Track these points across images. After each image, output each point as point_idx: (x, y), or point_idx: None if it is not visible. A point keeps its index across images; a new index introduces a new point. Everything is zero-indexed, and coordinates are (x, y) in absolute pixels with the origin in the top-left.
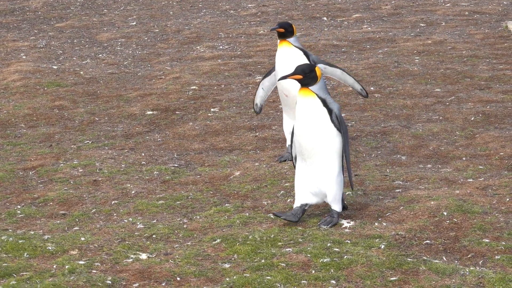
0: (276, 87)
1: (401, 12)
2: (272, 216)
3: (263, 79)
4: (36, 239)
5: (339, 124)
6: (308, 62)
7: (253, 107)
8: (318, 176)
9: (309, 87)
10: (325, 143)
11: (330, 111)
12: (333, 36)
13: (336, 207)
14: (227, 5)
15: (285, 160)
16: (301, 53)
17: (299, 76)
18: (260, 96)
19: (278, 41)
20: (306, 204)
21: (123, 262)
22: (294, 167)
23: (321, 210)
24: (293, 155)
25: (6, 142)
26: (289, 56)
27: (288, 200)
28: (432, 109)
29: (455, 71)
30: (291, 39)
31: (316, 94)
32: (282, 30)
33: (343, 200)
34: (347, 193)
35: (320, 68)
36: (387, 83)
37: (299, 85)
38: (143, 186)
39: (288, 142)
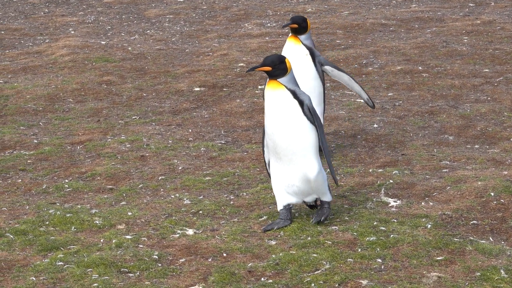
0: None
1: None
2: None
3: None
4: (84, 213)
5: (312, 116)
6: (312, 62)
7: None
8: (295, 174)
9: (278, 79)
10: (300, 137)
11: (301, 103)
12: (382, 15)
13: (327, 198)
14: None
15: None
16: (307, 52)
17: (268, 68)
18: None
19: (290, 34)
20: (289, 204)
21: (170, 237)
22: (268, 174)
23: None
24: (266, 160)
25: (54, 116)
26: (293, 54)
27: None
28: (480, 90)
29: (504, 52)
30: (302, 36)
31: (285, 86)
32: (295, 26)
33: (329, 187)
34: (335, 187)
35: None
36: (435, 62)
37: (302, 77)
38: (190, 162)
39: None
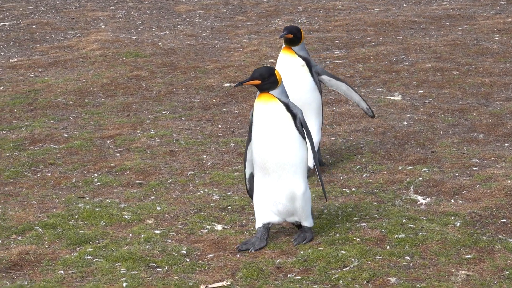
0: None
1: None
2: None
3: None
4: (113, 208)
5: (304, 131)
6: (309, 72)
7: None
8: (284, 191)
9: (270, 92)
10: (292, 152)
11: (294, 116)
12: (412, 12)
13: (307, 223)
14: None
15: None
16: (303, 63)
17: (257, 82)
18: None
19: (283, 46)
20: (269, 223)
21: (198, 233)
22: (247, 190)
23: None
24: (246, 175)
25: (85, 110)
26: (287, 65)
27: (364, 175)
28: (511, 88)
29: None
30: (297, 47)
31: (279, 99)
32: (290, 36)
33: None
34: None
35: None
36: (466, 60)
37: (296, 97)
38: (219, 158)
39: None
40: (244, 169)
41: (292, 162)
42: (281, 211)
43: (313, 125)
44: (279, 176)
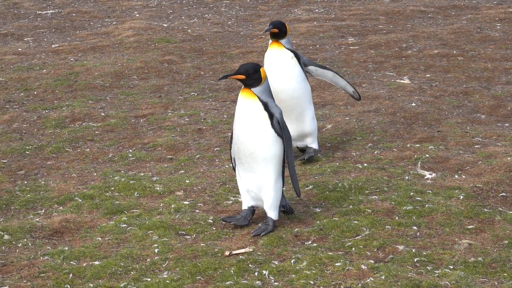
0: None
1: None
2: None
3: None
4: (146, 180)
5: (281, 129)
6: (298, 64)
7: None
8: (255, 181)
9: (252, 89)
10: (264, 148)
11: (271, 116)
12: (421, 3)
13: (272, 214)
14: None
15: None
16: (292, 55)
17: (242, 76)
18: None
19: (270, 41)
20: (253, 207)
21: (224, 204)
22: (233, 169)
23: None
24: (232, 156)
25: (120, 92)
26: (278, 58)
27: (375, 152)
28: (511, 73)
29: None
30: (283, 40)
31: (258, 97)
32: (276, 30)
33: (284, 205)
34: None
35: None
36: (470, 47)
37: (289, 88)
38: None
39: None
40: (230, 152)
41: (263, 157)
42: (255, 198)
43: (308, 113)
44: (250, 167)
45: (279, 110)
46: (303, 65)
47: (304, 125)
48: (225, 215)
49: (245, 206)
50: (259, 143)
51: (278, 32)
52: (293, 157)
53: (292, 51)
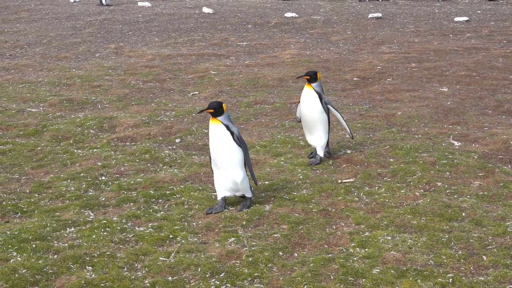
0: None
1: (493, 34)
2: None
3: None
4: (296, 138)
5: (240, 141)
6: (320, 102)
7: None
8: (228, 178)
9: (217, 118)
10: (230, 156)
11: (232, 133)
12: (455, 45)
13: (248, 194)
14: (396, 26)
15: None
16: (316, 95)
17: (211, 110)
18: (298, 113)
19: (306, 83)
20: (225, 196)
21: (339, 153)
22: (212, 170)
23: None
24: (211, 162)
25: (282, 89)
26: (307, 96)
27: (425, 129)
28: (508, 86)
29: None
30: (314, 84)
31: (222, 122)
32: (307, 77)
33: (250, 187)
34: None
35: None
36: (483, 71)
37: (310, 116)
38: (346, 118)
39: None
40: (210, 159)
41: (231, 161)
42: (229, 189)
43: (321, 134)
44: (224, 169)
45: (236, 129)
46: (325, 103)
47: (317, 139)
48: (339, 159)
49: (219, 197)
50: (226, 153)
51: (310, 78)
52: (250, 159)
53: (318, 92)
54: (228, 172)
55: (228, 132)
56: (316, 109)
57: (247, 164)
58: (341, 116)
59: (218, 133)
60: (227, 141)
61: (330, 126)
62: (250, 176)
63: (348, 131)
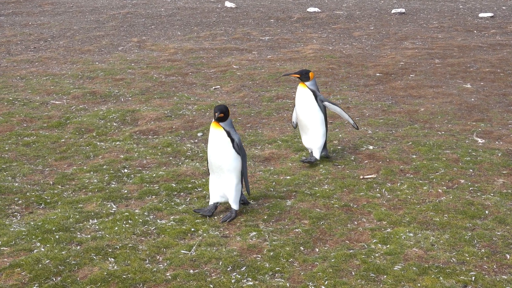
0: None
1: None
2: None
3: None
4: None
5: (239, 149)
6: (315, 100)
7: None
8: (223, 185)
9: (220, 123)
10: (228, 163)
11: (232, 140)
12: (479, 41)
13: (235, 206)
14: (420, 21)
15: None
16: (310, 93)
17: (222, 115)
18: (294, 118)
19: (300, 81)
20: (217, 202)
21: (360, 149)
22: (208, 174)
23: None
24: (207, 168)
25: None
26: (301, 94)
27: (449, 125)
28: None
29: None
30: (308, 82)
31: (223, 128)
32: (298, 75)
33: (242, 199)
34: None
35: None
36: (507, 67)
37: (305, 115)
38: (369, 114)
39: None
40: (207, 165)
41: (227, 168)
42: (222, 196)
43: (317, 133)
44: (219, 175)
45: (237, 136)
46: (320, 101)
47: (312, 140)
48: (360, 155)
49: (211, 202)
50: (224, 159)
51: (300, 77)
52: (246, 168)
53: (312, 90)
54: (221, 178)
55: (229, 139)
56: (312, 107)
57: (243, 173)
58: (341, 109)
59: (218, 138)
60: (226, 147)
61: (328, 129)
62: (245, 187)
63: (351, 122)
